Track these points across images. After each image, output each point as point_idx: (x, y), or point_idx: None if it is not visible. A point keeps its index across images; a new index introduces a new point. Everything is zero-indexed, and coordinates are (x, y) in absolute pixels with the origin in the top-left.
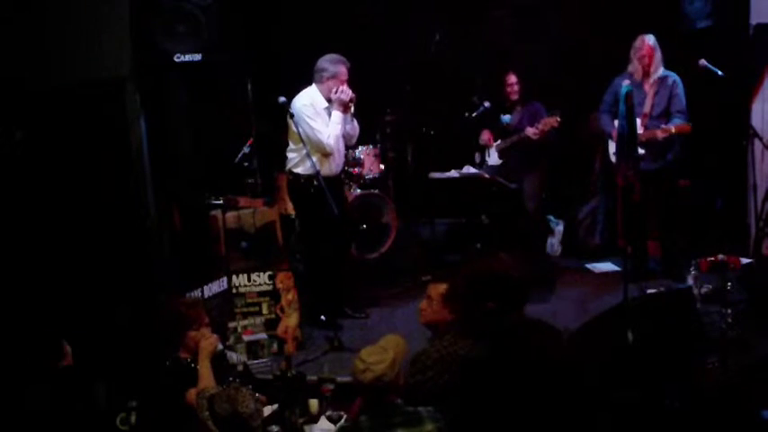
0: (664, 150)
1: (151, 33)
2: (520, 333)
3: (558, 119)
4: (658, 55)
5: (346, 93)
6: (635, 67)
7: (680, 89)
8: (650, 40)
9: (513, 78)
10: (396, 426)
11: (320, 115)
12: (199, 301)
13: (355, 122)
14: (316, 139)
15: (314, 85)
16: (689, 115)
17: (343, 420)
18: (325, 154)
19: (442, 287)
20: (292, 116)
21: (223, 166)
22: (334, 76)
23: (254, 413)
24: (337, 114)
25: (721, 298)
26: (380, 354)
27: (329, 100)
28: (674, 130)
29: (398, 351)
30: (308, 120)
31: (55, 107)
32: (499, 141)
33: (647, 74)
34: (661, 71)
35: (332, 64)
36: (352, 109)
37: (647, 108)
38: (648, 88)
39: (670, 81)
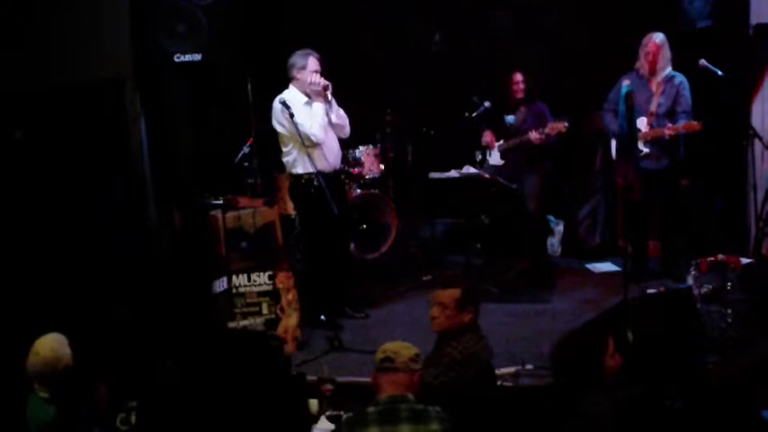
0: (668, 150)
1: (151, 33)
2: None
3: (566, 124)
4: (665, 54)
5: (319, 80)
6: (641, 63)
7: (686, 90)
8: (657, 38)
9: (519, 77)
10: (402, 420)
11: (301, 109)
12: None
13: (341, 111)
14: (301, 131)
15: (290, 85)
16: (693, 116)
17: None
18: (315, 145)
19: (456, 293)
20: (292, 116)
21: (223, 166)
22: (304, 68)
23: None
24: (318, 104)
25: (721, 298)
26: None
27: (309, 95)
28: (681, 129)
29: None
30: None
31: (55, 107)
32: (501, 142)
33: (653, 72)
34: (668, 70)
35: (300, 57)
36: (329, 96)
37: (653, 107)
38: (655, 87)
39: (677, 81)
